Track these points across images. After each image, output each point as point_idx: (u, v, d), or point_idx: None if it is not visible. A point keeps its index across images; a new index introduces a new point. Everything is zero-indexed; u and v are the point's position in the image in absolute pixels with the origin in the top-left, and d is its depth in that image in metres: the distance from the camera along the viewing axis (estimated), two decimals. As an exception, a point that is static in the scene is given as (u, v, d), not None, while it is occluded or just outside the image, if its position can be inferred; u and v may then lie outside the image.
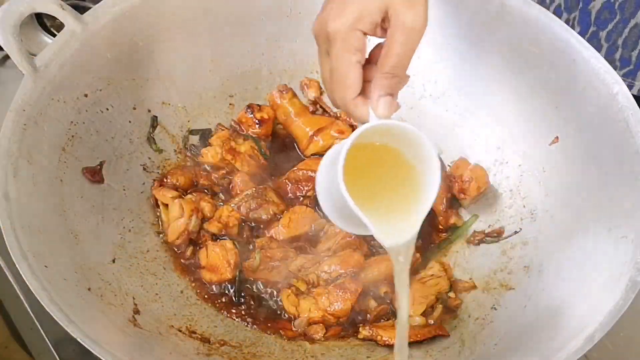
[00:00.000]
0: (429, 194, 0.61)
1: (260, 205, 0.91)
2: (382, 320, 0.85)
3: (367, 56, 0.65)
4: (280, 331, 0.83)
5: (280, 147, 1.02)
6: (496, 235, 0.92)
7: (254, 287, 0.87)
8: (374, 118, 0.61)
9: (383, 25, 0.61)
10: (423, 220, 0.62)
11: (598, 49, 1.00)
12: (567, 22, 1.04)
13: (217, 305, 0.85)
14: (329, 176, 0.61)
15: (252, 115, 1.00)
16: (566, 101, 0.88)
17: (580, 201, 0.84)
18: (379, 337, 0.81)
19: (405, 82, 0.63)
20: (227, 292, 0.86)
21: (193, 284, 0.86)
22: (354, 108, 0.63)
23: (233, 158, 0.95)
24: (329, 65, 0.64)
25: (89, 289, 0.73)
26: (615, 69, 0.99)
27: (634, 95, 0.82)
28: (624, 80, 0.93)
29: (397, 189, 0.64)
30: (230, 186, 0.95)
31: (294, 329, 0.83)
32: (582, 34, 1.02)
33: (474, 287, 0.88)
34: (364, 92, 0.63)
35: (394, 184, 0.64)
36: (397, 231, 0.62)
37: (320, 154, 0.99)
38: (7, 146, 0.73)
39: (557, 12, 1.04)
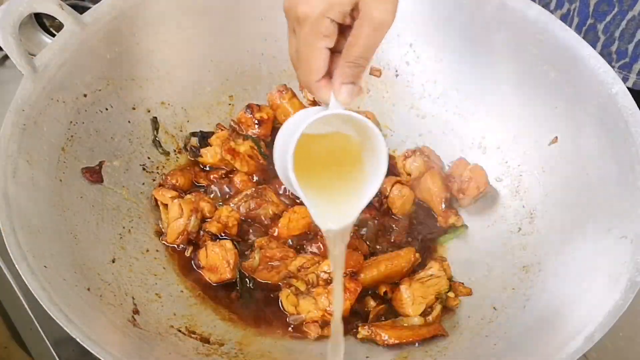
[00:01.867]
0: (372, 185, 0.63)
1: (259, 205, 0.91)
2: (381, 319, 0.85)
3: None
4: (279, 331, 0.83)
5: (279, 147, 1.02)
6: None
7: (254, 287, 0.87)
8: (334, 103, 0.63)
9: (352, 15, 0.62)
10: (360, 210, 0.64)
11: (595, 41, 1.01)
12: (567, 12, 1.04)
13: (217, 305, 0.85)
14: (285, 146, 0.63)
15: (251, 115, 0.99)
16: (566, 101, 0.88)
17: (579, 201, 0.84)
18: (378, 337, 0.81)
19: (366, 70, 0.64)
20: (226, 292, 0.86)
21: (193, 284, 0.86)
22: (316, 90, 0.64)
23: (232, 158, 0.95)
24: (296, 44, 0.64)
25: (89, 289, 0.73)
26: (611, 62, 0.99)
27: (628, 88, 0.82)
28: (619, 73, 0.93)
29: (344, 175, 0.66)
30: (230, 186, 0.95)
31: (289, 322, 0.83)
32: (580, 25, 1.02)
33: (470, 293, 0.88)
34: (329, 73, 0.64)
35: (342, 171, 0.66)
36: (336, 216, 0.64)
37: (319, 154, 0.99)
38: (7, 146, 0.73)
39: (559, 3, 1.04)
